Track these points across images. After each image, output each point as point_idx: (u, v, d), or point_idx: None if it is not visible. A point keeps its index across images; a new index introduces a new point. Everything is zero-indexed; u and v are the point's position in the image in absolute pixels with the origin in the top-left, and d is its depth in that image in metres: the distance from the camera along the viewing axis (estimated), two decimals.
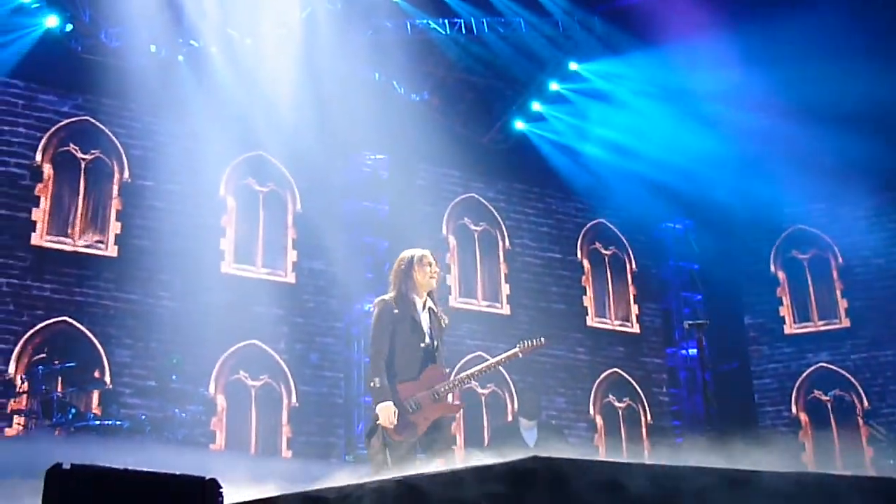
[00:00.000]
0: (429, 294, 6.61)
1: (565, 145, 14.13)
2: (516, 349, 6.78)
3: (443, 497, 2.89)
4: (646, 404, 14.28)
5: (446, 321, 6.68)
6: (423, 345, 6.42)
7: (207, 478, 3.02)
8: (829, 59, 11.43)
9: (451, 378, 6.58)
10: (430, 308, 6.57)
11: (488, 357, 12.29)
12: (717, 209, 14.03)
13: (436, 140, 12.84)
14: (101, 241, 11.50)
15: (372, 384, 6.31)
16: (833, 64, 11.41)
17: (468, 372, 6.76)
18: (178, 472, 3.00)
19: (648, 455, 13.49)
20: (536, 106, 14.09)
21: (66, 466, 2.77)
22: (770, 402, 14.28)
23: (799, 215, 14.61)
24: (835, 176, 12.84)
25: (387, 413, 6.16)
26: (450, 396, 6.60)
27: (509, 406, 13.17)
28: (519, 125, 14.27)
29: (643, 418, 14.23)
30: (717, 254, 14.39)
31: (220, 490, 3.01)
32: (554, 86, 13.88)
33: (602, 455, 13.06)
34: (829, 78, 11.47)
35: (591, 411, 13.85)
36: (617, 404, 14.15)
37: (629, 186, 13.65)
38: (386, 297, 6.59)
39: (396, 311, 6.44)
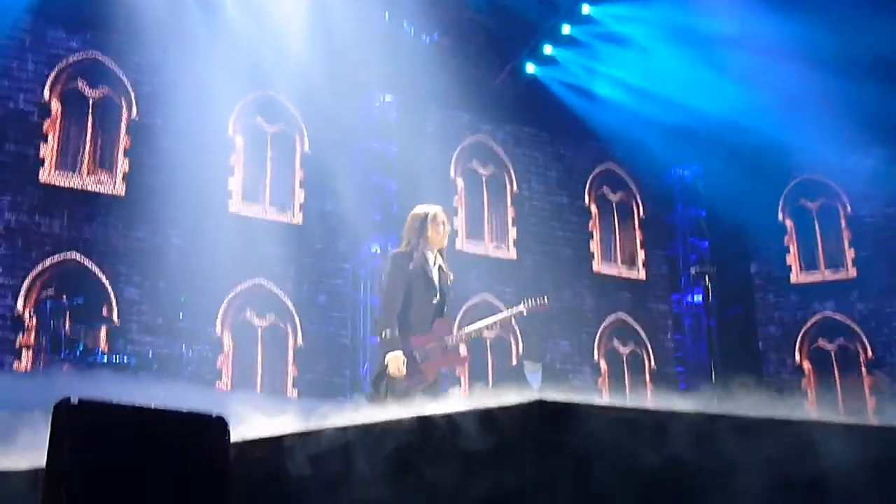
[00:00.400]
0: (439, 251, 6.78)
1: (576, 90, 14.01)
2: (521, 307, 7.05)
3: (445, 438, 2.92)
4: (650, 350, 14.34)
5: (452, 278, 6.86)
6: (434, 301, 6.62)
7: (214, 414, 3.06)
8: (844, 5, 11.30)
9: (458, 332, 6.88)
10: (439, 265, 6.75)
11: (493, 300, 12.47)
12: (727, 156, 13.95)
13: (445, 82, 12.72)
14: (109, 179, 11.51)
15: (383, 335, 6.47)
16: (847, 11, 11.28)
17: (475, 327, 7.01)
18: (185, 409, 3.03)
19: (651, 400, 13.55)
20: (548, 49, 13.94)
21: (74, 401, 2.80)
22: (774, 350, 14.30)
23: (808, 163, 14.47)
24: (846, 124, 12.72)
25: (397, 362, 6.31)
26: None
27: (514, 349, 13.23)
28: (530, 68, 14.13)
29: (647, 364, 14.30)
30: (725, 201, 14.30)
31: (227, 427, 3.04)
32: (566, 29, 13.72)
33: (606, 399, 13.14)
34: (842, 25, 11.34)
35: (596, 356, 13.92)
36: (621, 349, 14.21)
37: (639, 132, 13.55)
38: (400, 251, 6.76)
39: (411, 266, 6.59)
